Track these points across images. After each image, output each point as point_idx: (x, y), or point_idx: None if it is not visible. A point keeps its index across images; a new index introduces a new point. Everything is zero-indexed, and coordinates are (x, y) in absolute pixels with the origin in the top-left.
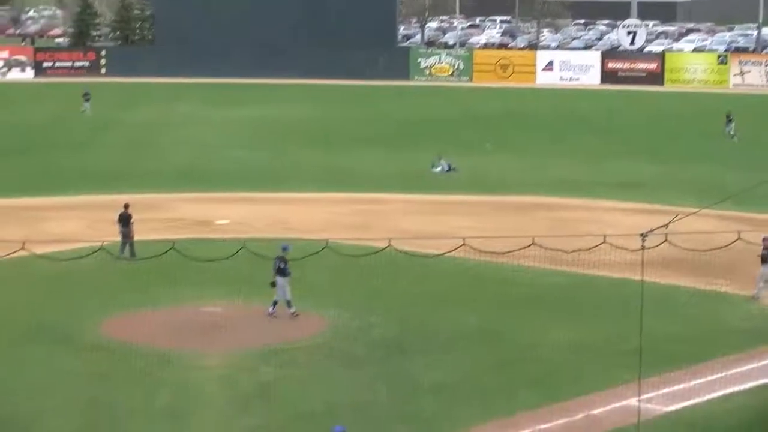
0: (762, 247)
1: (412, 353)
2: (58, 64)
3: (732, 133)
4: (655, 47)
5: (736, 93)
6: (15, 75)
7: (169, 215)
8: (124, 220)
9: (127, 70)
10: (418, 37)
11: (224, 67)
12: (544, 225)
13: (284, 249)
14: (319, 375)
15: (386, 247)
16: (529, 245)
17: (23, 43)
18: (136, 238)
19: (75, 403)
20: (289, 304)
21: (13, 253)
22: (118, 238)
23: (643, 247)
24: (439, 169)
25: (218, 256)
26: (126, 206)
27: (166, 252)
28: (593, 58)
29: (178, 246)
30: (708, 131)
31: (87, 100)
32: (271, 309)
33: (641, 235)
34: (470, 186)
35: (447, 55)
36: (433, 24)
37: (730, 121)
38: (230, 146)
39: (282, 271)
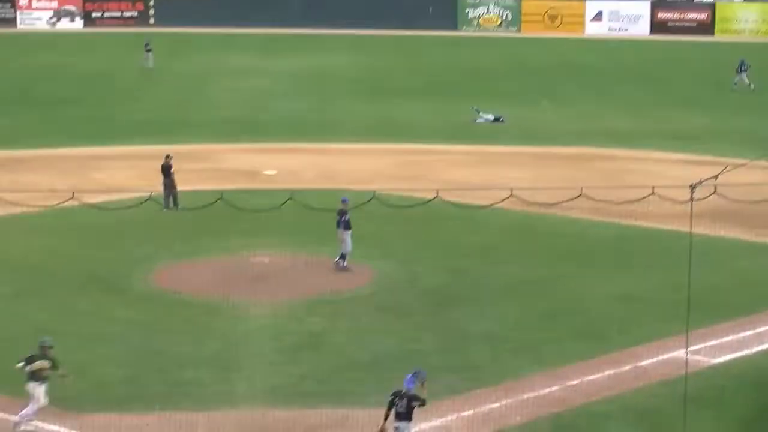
0: None
1: (460, 303)
2: (107, 14)
3: (734, 81)
4: None
5: None
6: (64, 25)
7: (217, 165)
8: (166, 170)
9: (176, 20)
10: None
11: (273, 17)
12: (592, 176)
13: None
14: (367, 325)
15: (434, 198)
16: (577, 196)
17: None
18: (181, 188)
19: (126, 351)
20: (343, 256)
21: (64, 202)
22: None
23: (692, 199)
24: (482, 120)
25: (266, 207)
26: (167, 157)
27: (215, 202)
28: (643, 8)
29: (226, 196)
30: (758, 82)
31: (148, 50)
32: (342, 262)
33: (690, 186)
34: (518, 137)
35: (495, 5)
36: None
37: (743, 69)
38: (279, 96)
39: (337, 224)
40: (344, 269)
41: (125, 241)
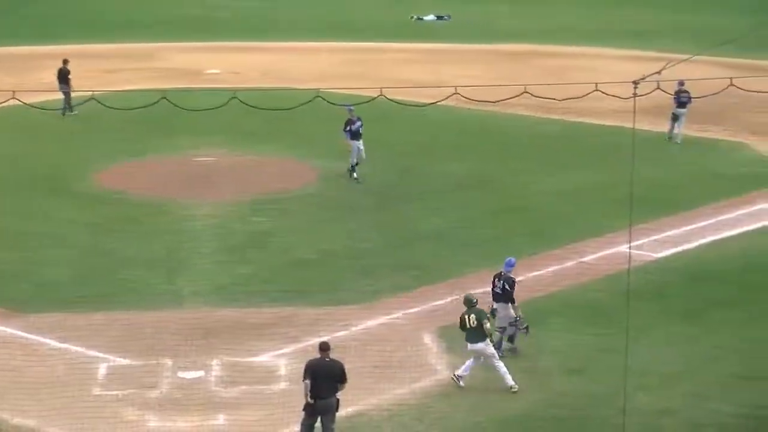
0: None
1: (406, 201)
2: None
3: None
4: None
5: None
6: None
7: (161, 65)
8: (62, 76)
9: None
10: None
11: None
12: (537, 73)
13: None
14: (312, 224)
15: (377, 96)
16: (521, 94)
17: None
18: (124, 87)
19: (72, 251)
20: (353, 168)
21: (4, 102)
22: (111, 88)
23: (634, 95)
24: (430, 17)
25: (209, 106)
26: (65, 61)
27: (157, 102)
28: None
29: (169, 96)
30: None
31: None
32: (353, 174)
33: (633, 82)
34: (464, 35)
35: None
36: None
37: None
38: None
39: (345, 133)
40: (356, 180)
41: (69, 141)
